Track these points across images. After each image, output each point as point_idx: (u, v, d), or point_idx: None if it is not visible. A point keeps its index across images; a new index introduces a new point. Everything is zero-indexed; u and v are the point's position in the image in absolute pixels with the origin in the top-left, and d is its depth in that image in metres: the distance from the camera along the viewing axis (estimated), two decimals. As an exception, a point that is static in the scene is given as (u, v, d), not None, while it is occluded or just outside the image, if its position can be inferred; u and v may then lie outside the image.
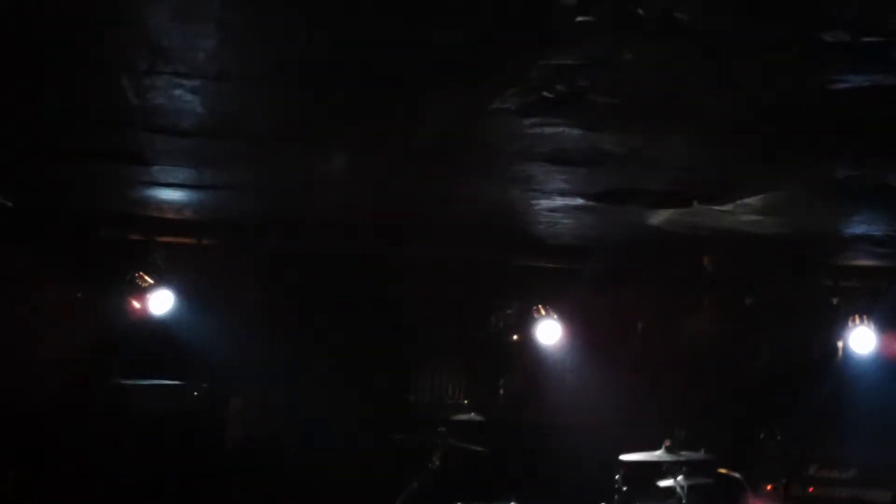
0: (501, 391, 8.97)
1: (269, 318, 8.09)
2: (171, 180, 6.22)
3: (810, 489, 7.85)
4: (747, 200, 5.76)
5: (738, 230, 6.60)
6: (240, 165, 5.88)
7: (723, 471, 7.57)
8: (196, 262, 7.84)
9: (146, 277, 7.66)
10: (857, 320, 8.11)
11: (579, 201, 6.09)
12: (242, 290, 8.01)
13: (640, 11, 3.22)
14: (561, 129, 4.66)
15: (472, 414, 8.40)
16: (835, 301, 8.32)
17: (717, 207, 5.99)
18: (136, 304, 7.71)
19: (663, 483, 7.53)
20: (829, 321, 8.36)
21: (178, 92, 4.56)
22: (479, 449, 7.82)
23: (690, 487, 7.30)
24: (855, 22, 3.42)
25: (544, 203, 6.27)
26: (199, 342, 7.85)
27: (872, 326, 8.08)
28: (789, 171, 5.16)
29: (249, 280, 7.98)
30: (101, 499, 7.23)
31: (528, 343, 8.60)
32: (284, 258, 7.86)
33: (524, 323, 8.55)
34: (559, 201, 6.17)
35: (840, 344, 8.40)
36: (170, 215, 7.35)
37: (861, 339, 8.12)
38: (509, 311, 8.62)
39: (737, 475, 7.53)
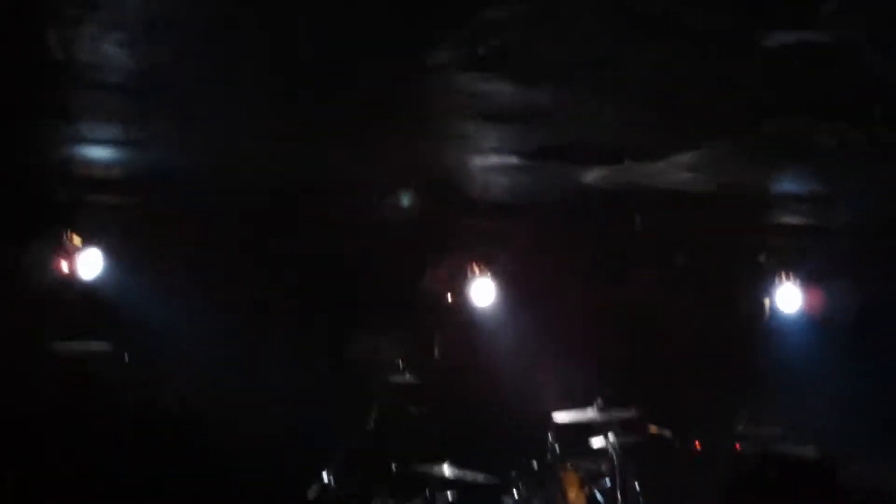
0: (436, 351, 8.99)
1: (199, 279, 7.98)
2: (98, 137, 6.09)
3: (737, 446, 8.01)
4: (678, 157, 5.83)
5: (668, 188, 6.67)
6: (169, 121, 5.78)
7: (653, 429, 7.69)
8: (125, 221, 7.69)
9: (74, 238, 7.50)
10: (784, 278, 8.29)
11: (514, 159, 6.11)
12: (173, 250, 7.89)
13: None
14: (495, 84, 4.66)
15: (407, 375, 8.42)
16: (762, 259, 8.47)
17: (648, 164, 6.05)
18: (65, 266, 7.54)
19: (595, 441, 7.63)
20: (756, 279, 8.52)
21: (105, 45, 4.47)
22: (413, 410, 7.85)
23: (621, 445, 7.41)
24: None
25: (479, 161, 6.28)
26: (130, 305, 7.73)
27: (798, 284, 8.26)
28: (719, 127, 5.23)
29: (179, 240, 7.86)
30: (31, 467, 7.10)
31: (462, 303, 8.61)
32: (214, 217, 7.74)
33: (458, 283, 8.55)
34: (494, 159, 6.18)
35: (767, 302, 8.56)
36: (98, 173, 7.19)
37: (787, 297, 8.30)
38: (443, 271, 8.60)
39: (667, 433, 7.66)
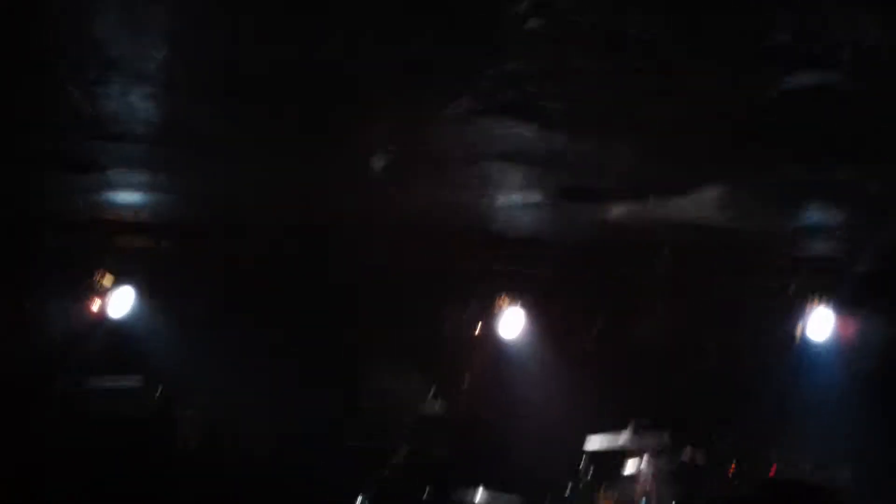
0: (464, 387, 9.00)
1: (224, 321, 8.05)
2: (126, 184, 6.18)
3: (771, 472, 7.95)
4: (702, 194, 5.82)
5: (694, 223, 6.65)
6: (194, 166, 5.85)
7: (687, 453, 7.68)
8: (153, 263, 7.78)
9: (104, 279, 7.61)
10: (812, 308, 8.23)
11: (537, 197, 6.12)
12: (198, 292, 7.97)
13: (582, 22, 3.25)
14: (515, 130, 4.70)
15: (437, 406, 8.45)
16: (790, 291, 8.41)
17: (672, 200, 6.03)
18: (95, 307, 7.65)
19: (628, 469, 7.62)
20: (785, 312, 8.45)
21: (130, 99, 4.55)
22: (440, 452, 7.88)
23: (654, 470, 7.39)
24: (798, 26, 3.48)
25: (502, 200, 6.30)
26: (157, 344, 7.82)
27: (827, 315, 8.19)
28: (742, 165, 5.22)
29: (205, 283, 7.94)
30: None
31: (488, 338, 8.63)
32: (240, 261, 7.83)
33: (485, 318, 8.57)
34: (517, 198, 6.20)
35: (797, 331, 8.49)
36: (127, 217, 7.30)
37: (817, 326, 8.23)
38: (469, 307, 8.63)
39: (700, 458, 7.64)
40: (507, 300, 8.38)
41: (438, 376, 8.83)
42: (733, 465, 7.94)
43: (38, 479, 7.16)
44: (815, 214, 6.55)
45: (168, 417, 7.94)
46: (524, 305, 8.37)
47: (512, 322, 8.37)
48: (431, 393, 8.80)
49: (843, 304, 8.18)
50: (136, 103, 4.60)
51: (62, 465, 7.24)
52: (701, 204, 6.02)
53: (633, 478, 7.63)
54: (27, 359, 7.48)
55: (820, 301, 8.14)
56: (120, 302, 7.65)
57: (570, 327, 8.73)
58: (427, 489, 7.61)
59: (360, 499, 7.21)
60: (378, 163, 5.21)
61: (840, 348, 8.32)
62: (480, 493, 7.45)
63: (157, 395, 7.82)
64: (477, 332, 8.69)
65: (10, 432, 7.15)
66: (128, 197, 6.62)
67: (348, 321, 8.33)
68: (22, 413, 7.28)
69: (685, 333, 8.57)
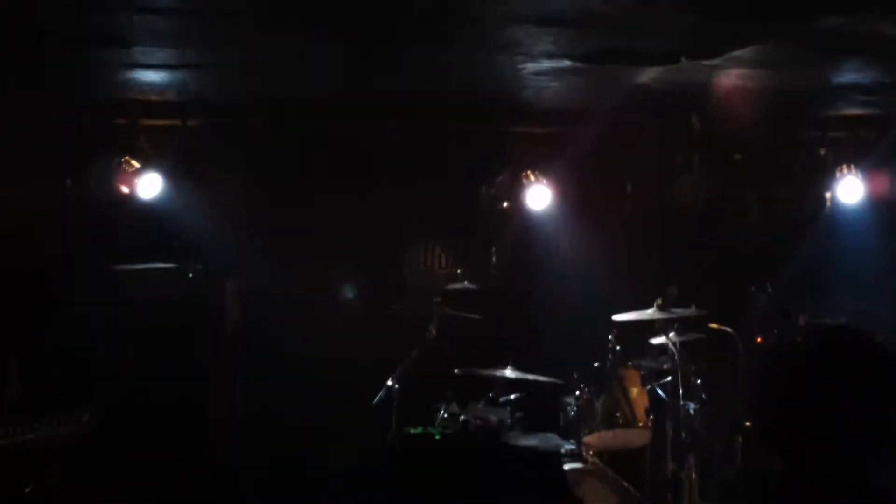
0: (493, 259, 9.04)
1: (259, 199, 8.08)
2: (152, 61, 6.12)
3: (799, 339, 7.97)
4: (735, 53, 5.71)
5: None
6: (222, 43, 5.79)
7: (714, 326, 7.69)
8: (182, 144, 7.77)
9: (132, 162, 7.61)
10: (845, 170, 8.17)
11: (566, 63, 6.03)
12: (231, 171, 7.97)
13: None
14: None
15: (466, 283, 8.50)
16: (822, 152, 8.35)
17: (705, 62, 5.94)
18: (125, 189, 7.66)
19: (656, 340, 7.67)
20: (818, 173, 8.41)
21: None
22: (473, 317, 7.93)
23: (682, 343, 7.44)
24: None
25: (531, 67, 6.21)
26: (191, 225, 7.84)
27: (860, 175, 8.14)
28: (777, 21, 5.10)
29: (237, 161, 7.94)
30: (95, 386, 7.27)
31: (518, 210, 8.63)
32: (271, 138, 7.80)
33: (514, 190, 8.55)
34: (546, 64, 6.11)
35: (828, 195, 8.46)
36: (153, 98, 7.26)
37: (849, 189, 8.19)
38: (499, 179, 8.61)
39: (728, 329, 7.65)
40: (536, 170, 8.33)
41: (467, 251, 8.87)
42: (759, 338, 7.97)
43: (79, 360, 7.27)
44: (851, 73, 6.45)
45: (210, 298, 8.01)
46: (554, 175, 8.33)
47: (541, 193, 8.34)
48: (459, 269, 8.85)
49: (878, 163, 8.11)
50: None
51: (101, 346, 7.33)
52: (734, 63, 5.93)
53: (661, 350, 7.67)
54: (65, 241, 7.53)
55: (854, 161, 8.09)
56: (149, 184, 7.66)
57: (600, 196, 8.70)
58: (455, 369, 7.69)
59: (388, 381, 7.31)
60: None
61: (874, 207, 8.28)
62: (509, 371, 7.53)
63: (195, 275, 7.86)
64: (506, 204, 8.69)
65: (51, 314, 7.23)
66: (153, 75, 6.58)
67: (383, 194, 8.34)
68: (62, 296, 7.35)
69: (715, 200, 8.52)
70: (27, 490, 6.29)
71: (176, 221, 7.83)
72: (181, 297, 7.81)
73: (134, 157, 7.60)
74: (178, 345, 7.49)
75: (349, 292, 8.63)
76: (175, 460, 7.12)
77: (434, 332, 7.71)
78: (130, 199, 7.67)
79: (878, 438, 2.23)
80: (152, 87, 6.93)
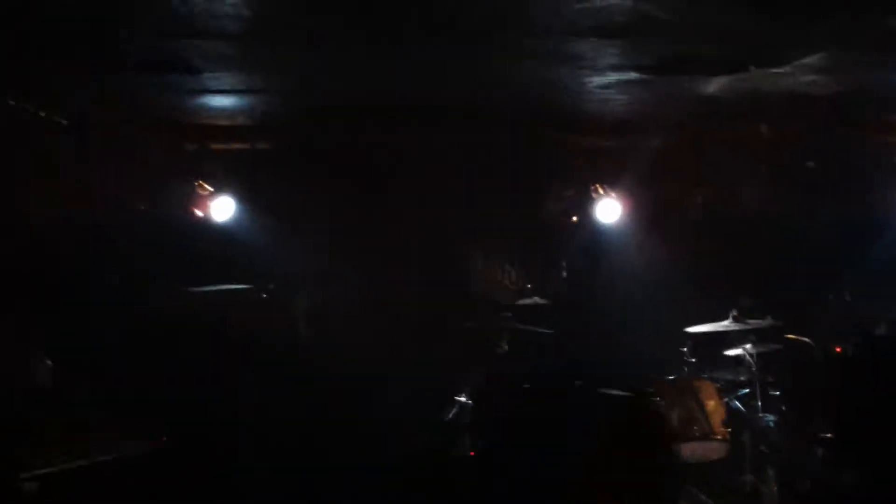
0: (564, 273, 9.01)
1: (328, 218, 8.16)
2: (221, 87, 6.24)
3: (876, 349, 7.78)
4: (804, 60, 5.63)
5: (795, 92, 6.47)
6: (288, 67, 5.88)
7: (791, 336, 7.57)
8: (252, 166, 7.90)
9: (205, 185, 7.75)
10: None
11: (632, 75, 5.99)
12: (300, 192, 8.07)
13: None
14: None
15: (536, 298, 8.48)
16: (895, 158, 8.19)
17: (773, 70, 5.86)
18: (198, 213, 7.81)
19: (731, 352, 7.57)
20: (891, 178, 8.24)
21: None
22: (545, 331, 7.90)
23: (759, 354, 7.33)
24: None
25: (597, 80, 6.19)
26: (261, 247, 7.95)
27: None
28: (843, 26, 5.02)
29: (305, 182, 8.04)
30: (174, 405, 7.37)
31: (587, 223, 8.59)
32: (338, 157, 7.89)
33: (583, 203, 8.52)
34: (612, 77, 6.08)
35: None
36: (223, 122, 7.40)
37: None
38: (567, 193, 8.59)
39: (805, 339, 7.52)
40: (604, 184, 8.30)
41: (537, 265, 8.86)
42: (838, 348, 7.79)
43: (157, 382, 7.37)
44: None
45: (281, 315, 8.11)
46: (622, 188, 8.29)
47: (610, 206, 8.30)
48: (529, 284, 8.84)
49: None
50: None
51: (181, 364, 7.44)
52: (802, 70, 5.84)
53: (736, 360, 7.57)
54: (143, 264, 7.66)
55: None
56: (222, 207, 7.79)
57: (669, 207, 8.63)
58: (527, 379, 7.66)
59: (461, 397, 7.32)
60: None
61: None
62: (578, 384, 7.48)
63: (268, 294, 7.97)
64: (574, 218, 8.66)
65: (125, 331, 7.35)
66: (223, 100, 6.70)
67: (451, 207, 8.37)
68: (139, 318, 7.48)
69: (788, 209, 8.40)
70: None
71: (246, 242, 7.93)
72: (254, 316, 7.92)
73: (205, 181, 7.74)
74: (253, 362, 7.59)
75: None
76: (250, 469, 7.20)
77: (505, 347, 7.70)
78: (205, 222, 7.79)
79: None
80: (222, 111, 7.06)
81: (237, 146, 7.81)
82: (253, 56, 5.52)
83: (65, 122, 6.78)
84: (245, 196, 7.91)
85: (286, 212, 8.11)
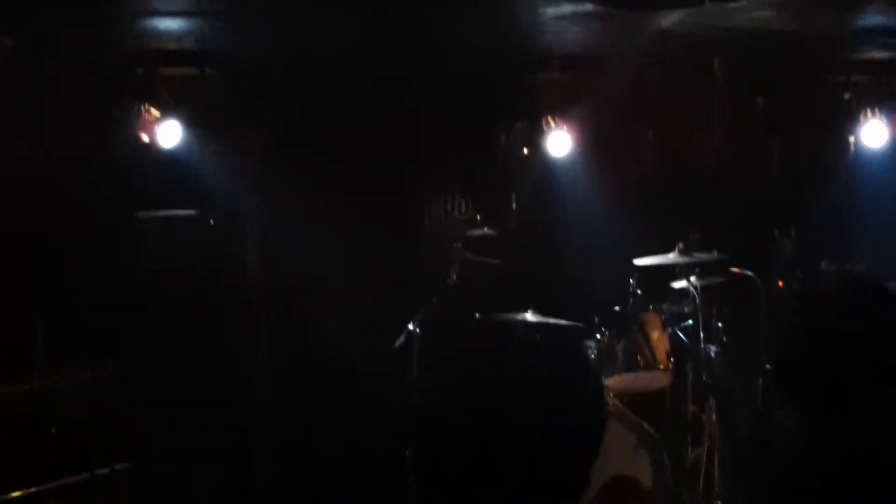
0: (513, 206, 9.04)
1: (278, 152, 8.07)
2: (168, 8, 6.10)
3: (819, 287, 7.93)
4: (759, -4, 5.66)
5: (749, 29, 6.49)
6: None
7: (735, 270, 7.68)
8: (202, 93, 7.76)
9: (152, 110, 7.61)
10: (869, 114, 8.10)
11: (588, 6, 5.97)
12: (248, 123, 7.96)
13: None
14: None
15: (486, 229, 8.51)
16: (846, 96, 8.28)
17: (728, 4, 5.86)
18: (145, 138, 7.67)
19: (677, 284, 7.67)
20: (841, 118, 8.34)
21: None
22: (493, 262, 7.94)
23: (703, 287, 7.44)
24: None
25: (551, 11, 6.16)
26: (210, 174, 7.85)
27: (884, 119, 8.07)
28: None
29: (254, 114, 7.92)
30: (118, 335, 7.33)
31: (538, 157, 8.61)
32: (290, 94, 7.79)
33: (534, 137, 8.52)
34: (566, 8, 6.05)
35: (852, 139, 8.40)
36: (171, 46, 7.25)
37: (873, 133, 8.12)
38: (519, 126, 8.57)
39: (749, 273, 7.64)
40: (556, 117, 8.30)
41: (488, 198, 8.87)
42: (780, 282, 7.94)
43: (102, 309, 7.31)
44: (875, 15, 6.37)
45: (232, 244, 8.05)
46: (574, 122, 8.29)
47: (561, 140, 8.31)
48: (479, 215, 8.86)
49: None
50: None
51: (123, 294, 7.38)
52: (757, 5, 5.85)
53: (682, 292, 7.68)
54: (87, 190, 7.54)
55: (878, 105, 8.03)
56: (169, 133, 7.66)
57: (622, 143, 8.66)
58: (476, 314, 7.71)
59: (410, 325, 7.36)
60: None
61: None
62: (530, 315, 7.56)
63: (212, 223, 7.90)
64: (525, 151, 8.66)
65: (74, 264, 7.27)
66: (171, 23, 6.56)
67: (404, 142, 8.33)
68: (85, 245, 7.39)
69: (738, 146, 8.48)
70: (53, 432, 6.40)
71: (197, 170, 7.83)
72: (202, 244, 7.85)
73: (154, 106, 7.60)
74: (198, 291, 7.55)
75: None
76: (199, 405, 7.21)
77: (454, 277, 7.73)
78: (151, 148, 7.66)
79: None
80: (170, 34, 6.91)
81: (186, 72, 7.66)
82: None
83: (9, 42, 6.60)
84: (195, 123, 7.77)
85: (238, 143, 8.00)
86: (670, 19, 6.27)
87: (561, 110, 8.29)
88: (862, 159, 8.33)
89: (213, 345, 7.51)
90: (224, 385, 7.53)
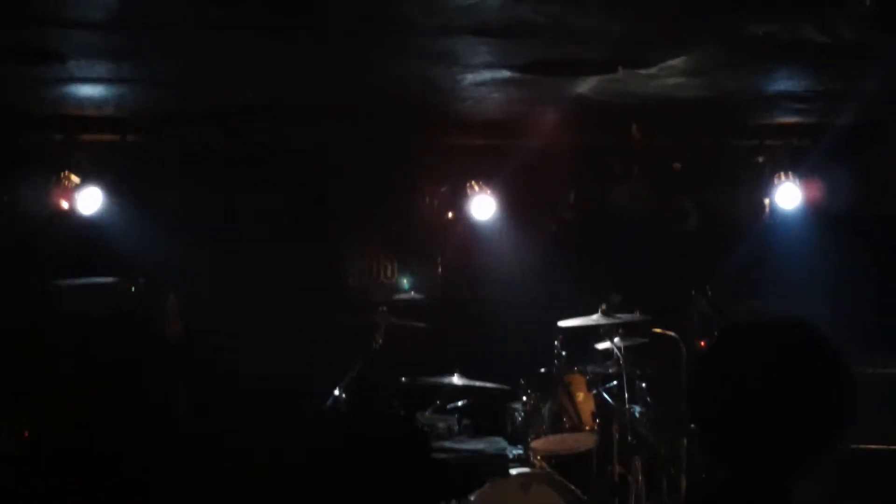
0: (439, 269, 9.08)
1: (199, 212, 8.03)
2: (88, 75, 6.08)
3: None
4: (670, 63, 5.80)
5: (663, 95, 6.66)
6: (157, 57, 5.77)
7: (658, 330, 7.79)
8: (122, 159, 7.72)
9: (72, 177, 7.53)
10: (783, 177, 8.33)
11: (506, 73, 6.09)
12: (170, 185, 7.92)
13: None
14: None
15: (412, 293, 8.53)
16: (760, 160, 8.51)
17: (641, 71, 6.02)
18: (64, 205, 7.58)
19: (601, 346, 7.75)
20: (755, 180, 8.56)
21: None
22: (419, 325, 7.95)
23: (627, 347, 7.53)
24: None
25: (470, 78, 6.26)
26: (130, 240, 7.77)
27: (797, 182, 8.30)
28: (707, 29, 5.20)
29: (176, 175, 7.89)
30: (38, 401, 7.17)
31: (462, 220, 8.68)
32: (207, 152, 7.78)
33: (458, 200, 8.61)
34: (486, 75, 6.16)
35: (767, 201, 8.61)
36: (91, 112, 7.21)
37: (786, 195, 8.35)
38: (443, 190, 8.65)
39: (671, 333, 7.74)
40: (478, 181, 8.40)
41: (412, 260, 8.91)
42: (703, 342, 8.04)
43: (17, 376, 7.16)
44: (783, 81, 6.58)
45: (150, 312, 7.94)
46: (496, 186, 8.40)
47: (484, 203, 8.41)
48: (405, 280, 8.89)
49: (813, 170, 8.29)
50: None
51: (39, 361, 7.23)
52: (669, 72, 6.02)
53: (606, 353, 7.76)
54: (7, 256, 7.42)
55: (790, 168, 8.27)
56: (89, 199, 7.59)
57: (543, 205, 8.77)
58: (403, 378, 7.70)
59: (336, 391, 7.32)
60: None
61: (809, 218, 8.44)
62: (457, 378, 7.58)
63: (133, 290, 7.79)
64: (450, 215, 8.73)
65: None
66: (91, 90, 6.54)
67: (324, 206, 8.35)
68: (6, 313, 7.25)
69: (656, 209, 8.63)
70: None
71: (117, 237, 7.75)
72: (123, 311, 7.74)
73: (73, 173, 7.53)
74: (119, 358, 7.42)
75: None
76: (115, 472, 7.05)
77: (380, 341, 7.72)
78: (70, 215, 7.58)
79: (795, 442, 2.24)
80: (90, 101, 6.88)
81: (106, 138, 7.61)
82: (119, 45, 5.40)
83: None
84: (114, 189, 7.72)
85: (158, 207, 7.94)
86: (586, 85, 6.41)
87: (484, 174, 8.41)
88: (776, 220, 8.54)
89: (132, 408, 7.36)
90: (143, 449, 7.37)
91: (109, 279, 7.78)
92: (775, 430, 2.21)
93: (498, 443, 7.44)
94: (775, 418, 2.20)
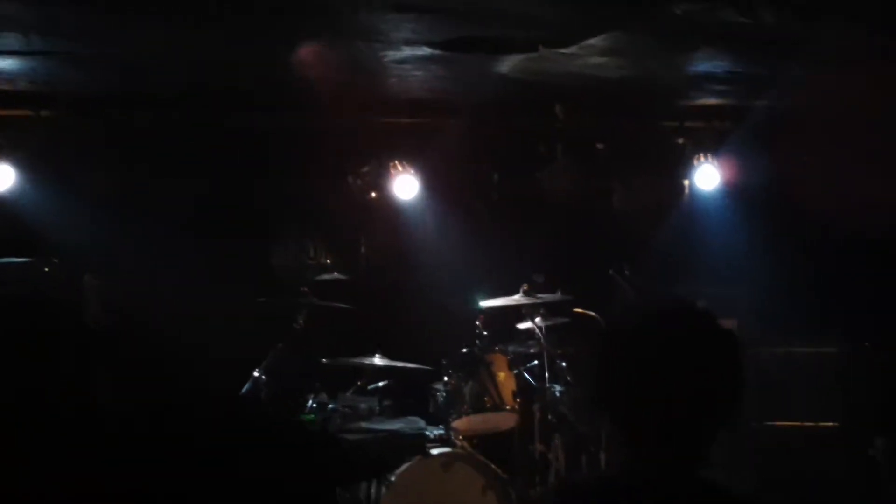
0: (362, 250, 9.04)
1: (119, 192, 7.87)
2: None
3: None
4: (590, 42, 5.83)
5: (586, 75, 6.69)
6: (71, 32, 5.63)
7: (579, 310, 7.84)
8: (36, 135, 7.52)
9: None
10: (702, 158, 8.44)
11: (426, 50, 6.06)
12: (88, 163, 7.74)
13: None
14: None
15: (335, 274, 8.47)
16: (680, 141, 8.60)
17: (562, 51, 6.04)
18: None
19: (522, 325, 7.78)
20: (677, 162, 8.65)
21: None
22: (342, 306, 7.90)
23: (548, 328, 7.57)
24: None
25: (392, 55, 6.22)
26: (46, 220, 7.58)
27: (717, 164, 8.41)
28: (626, 8, 5.23)
29: (94, 153, 7.71)
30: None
31: (386, 201, 8.64)
32: (129, 130, 7.62)
33: (381, 181, 8.57)
34: (407, 52, 6.13)
35: (687, 183, 8.72)
36: (3, 87, 7.01)
37: (706, 177, 8.46)
38: (366, 170, 8.59)
39: (592, 314, 7.80)
40: (402, 162, 8.37)
41: (336, 243, 8.85)
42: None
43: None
44: (704, 62, 6.64)
45: (69, 293, 7.75)
46: (420, 166, 8.38)
47: (408, 183, 8.38)
48: (328, 260, 8.82)
49: (733, 152, 8.40)
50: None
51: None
52: (589, 52, 6.04)
53: (527, 333, 7.80)
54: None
55: (710, 150, 8.38)
56: (1, 176, 7.40)
57: (467, 185, 8.78)
58: (324, 359, 7.65)
59: (255, 373, 7.25)
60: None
61: (728, 197, 8.57)
62: (378, 359, 7.55)
63: (52, 269, 7.60)
64: (373, 195, 8.68)
65: None
66: (2, 63, 6.36)
67: (250, 187, 8.25)
68: None
69: (578, 189, 8.69)
70: None
71: (33, 216, 7.55)
72: (36, 292, 7.54)
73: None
74: (32, 341, 7.23)
75: None
76: (26, 459, 6.88)
77: (302, 322, 7.65)
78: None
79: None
80: (2, 75, 6.69)
81: (19, 113, 7.41)
82: (28, 16, 5.25)
83: None
84: (29, 166, 7.52)
85: (79, 186, 7.76)
86: (508, 64, 6.41)
87: (408, 154, 8.37)
88: (696, 202, 8.65)
89: (46, 395, 7.19)
90: (58, 433, 7.22)
91: (23, 259, 7.57)
92: (668, 410, 2.25)
93: (416, 422, 7.42)
94: (667, 398, 2.25)
